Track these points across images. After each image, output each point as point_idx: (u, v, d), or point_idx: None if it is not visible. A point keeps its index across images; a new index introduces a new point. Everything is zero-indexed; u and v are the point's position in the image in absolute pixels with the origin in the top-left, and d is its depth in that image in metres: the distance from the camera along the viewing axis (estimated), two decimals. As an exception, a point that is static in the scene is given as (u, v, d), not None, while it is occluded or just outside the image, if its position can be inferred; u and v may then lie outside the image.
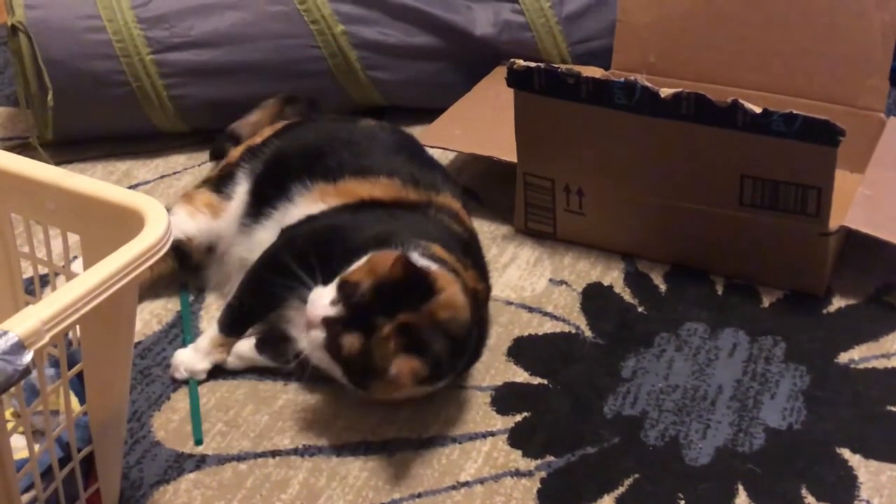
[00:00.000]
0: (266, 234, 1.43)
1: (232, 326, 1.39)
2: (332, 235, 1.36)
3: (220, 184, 1.53)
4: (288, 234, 1.40)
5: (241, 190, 1.51)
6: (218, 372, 1.40)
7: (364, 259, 1.26)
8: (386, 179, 1.43)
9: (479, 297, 1.35)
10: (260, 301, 1.38)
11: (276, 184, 1.46)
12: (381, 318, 1.21)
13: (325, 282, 1.27)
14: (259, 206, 1.47)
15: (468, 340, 1.29)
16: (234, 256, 1.49)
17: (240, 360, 1.40)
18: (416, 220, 1.39)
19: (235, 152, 1.59)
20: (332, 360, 1.24)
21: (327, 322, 1.23)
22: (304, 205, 1.42)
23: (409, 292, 1.22)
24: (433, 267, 1.26)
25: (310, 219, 1.40)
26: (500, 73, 1.69)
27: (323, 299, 1.24)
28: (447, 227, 1.42)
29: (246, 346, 1.39)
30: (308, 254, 1.34)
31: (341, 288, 1.24)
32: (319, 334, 1.23)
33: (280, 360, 1.38)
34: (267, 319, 1.40)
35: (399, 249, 1.27)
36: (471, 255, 1.40)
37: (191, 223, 1.50)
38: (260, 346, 1.39)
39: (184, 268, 1.52)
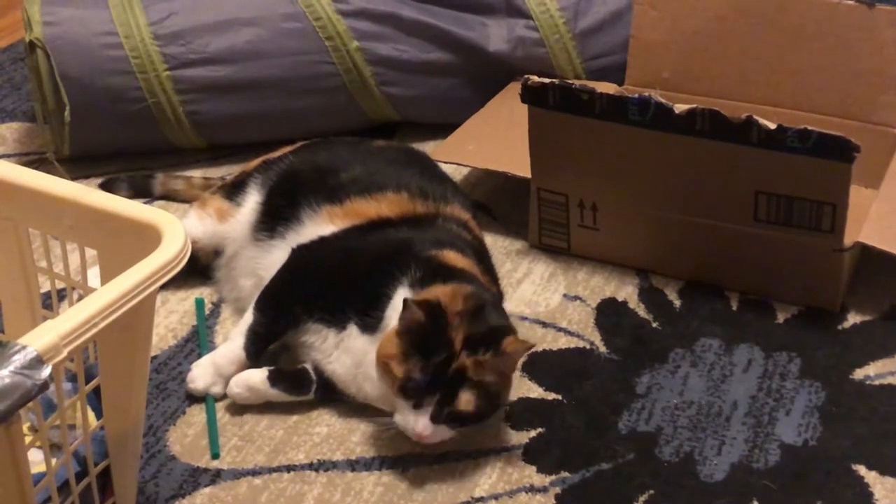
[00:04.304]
0: (280, 254, 1.43)
1: (258, 353, 1.39)
2: (343, 261, 1.38)
3: (231, 191, 1.56)
4: (299, 254, 1.41)
5: (252, 199, 1.53)
6: (233, 386, 1.40)
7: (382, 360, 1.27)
8: (393, 195, 1.44)
9: (495, 299, 1.38)
10: (280, 321, 1.38)
11: (287, 202, 1.47)
12: (455, 360, 1.23)
13: (335, 310, 1.32)
14: (272, 222, 1.48)
15: (493, 298, 1.32)
16: (246, 268, 1.50)
17: (250, 393, 1.37)
18: (426, 232, 1.40)
19: (252, 162, 1.61)
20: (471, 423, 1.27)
21: (434, 418, 1.24)
22: (313, 226, 1.43)
23: (433, 320, 1.23)
24: (407, 296, 1.28)
25: (321, 241, 1.41)
26: (514, 88, 1.70)
27: (415, 420, 1.24)
28: (457, 234, 1.43)
29: (257, 378, 1.36)
30: (320, 279, 1.37)
31: (404, 393, 1.24)
32: (439, 432, 1.25)
33: (295, 393, 1.37)
34: (283, 343, 1.41)
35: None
36: (483, 262, 1.43)
37: (198, 226, 1.53)
38: (273, 380, 1.37)
39: (193, 270, 1.53)
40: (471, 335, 1.23)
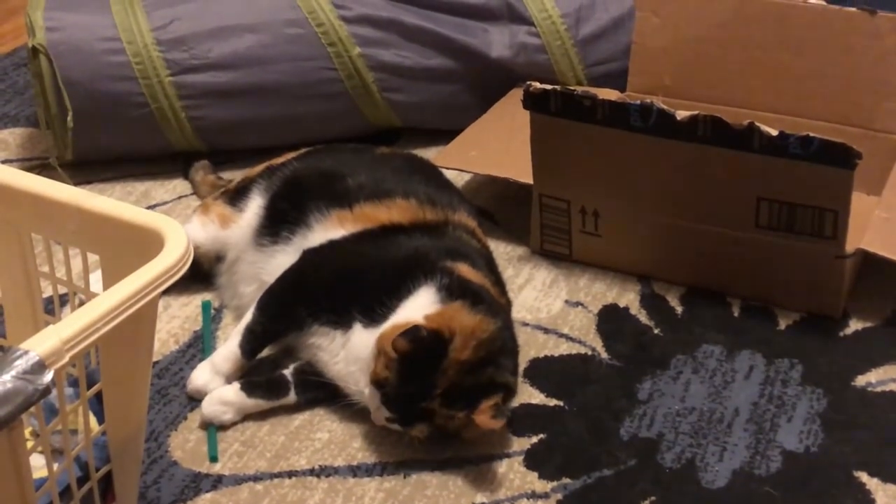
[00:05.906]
0: (285, 259, 1.43)
1: (254, 351, 1.39)
2: (363, 263, 1.37)
3: (234, 197, 1.56)
4: (311, 257, 1.40)
5: (255, 205, 1.53)
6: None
7: (377, 345, 1.27)
8: (402, 201, 1.44)
9: (505, 310, 1.38)
10: (280, 322, 1.39)
11: (292, 207, 1.47)
12: (426, 402, 1.24)
13: (343, 312, 1.32)
14: (275, 227, 1.48)
15: (506, 343, 1.31)
16: (247, 273, 1.50)
17: (226, 407, 1.35)
18: (439, 240, 1.40)
19: (255, 168, 1.61)
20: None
21: (390, 420, 1.28)
22: (322, 230, 1.43)
23: (430, 355, 1.24)
24: (431, 310, 1.28)
25: (332, 245, 1.41)
26: (516, 94, 1.70)
27: (376, 410, 1.28)
28: (468, 243, 1.43)
29: (230, 391, 1.35)
30: (333, 281, 1.37)
31: (377, 386, 1.27)
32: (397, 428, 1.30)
33: (274, 398, 1.36)
34: (286, 346, 1.41)
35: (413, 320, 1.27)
36: (493, 272, 1.43)
37: (200, 232, 1.53)
38: (248, 390, 1.36)
39: (195, 276, 1.53)
40: (455, 386, 1.24)
